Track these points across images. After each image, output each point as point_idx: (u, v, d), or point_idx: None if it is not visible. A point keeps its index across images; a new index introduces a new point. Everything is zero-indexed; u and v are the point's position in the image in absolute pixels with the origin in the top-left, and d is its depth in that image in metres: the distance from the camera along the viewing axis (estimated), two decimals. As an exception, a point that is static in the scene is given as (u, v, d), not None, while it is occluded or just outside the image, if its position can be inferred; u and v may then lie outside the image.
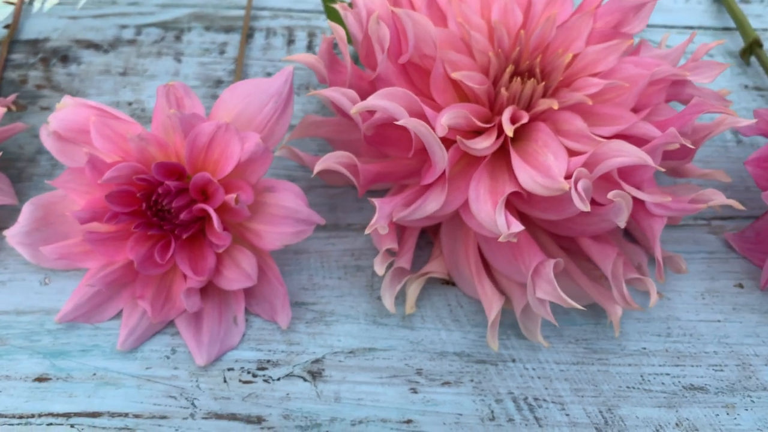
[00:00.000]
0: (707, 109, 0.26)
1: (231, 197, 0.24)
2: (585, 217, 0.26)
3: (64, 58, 0.37)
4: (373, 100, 0.24)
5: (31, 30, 0.38)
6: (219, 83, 0.36)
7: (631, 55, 0.30)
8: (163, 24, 0.39)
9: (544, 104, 0.26)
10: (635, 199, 0.26)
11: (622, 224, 0.25)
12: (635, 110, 0.28)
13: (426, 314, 0.28)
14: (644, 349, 0.27)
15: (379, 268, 0.26)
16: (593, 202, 0.26)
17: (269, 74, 0.37)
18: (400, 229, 0.29)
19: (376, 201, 0.25)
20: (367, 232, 0.24)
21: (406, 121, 0.24)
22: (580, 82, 0.27)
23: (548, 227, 0.28)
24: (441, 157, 0.24)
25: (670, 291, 0.29)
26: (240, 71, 0.35)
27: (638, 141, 0.27)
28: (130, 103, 0.35)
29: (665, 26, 0.44)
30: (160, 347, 0.26)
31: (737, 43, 0.43)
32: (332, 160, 0.25)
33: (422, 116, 0.25)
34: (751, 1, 0.46)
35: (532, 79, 0.27)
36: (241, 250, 0.26)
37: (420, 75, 0.28)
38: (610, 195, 0.24)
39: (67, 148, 0.26)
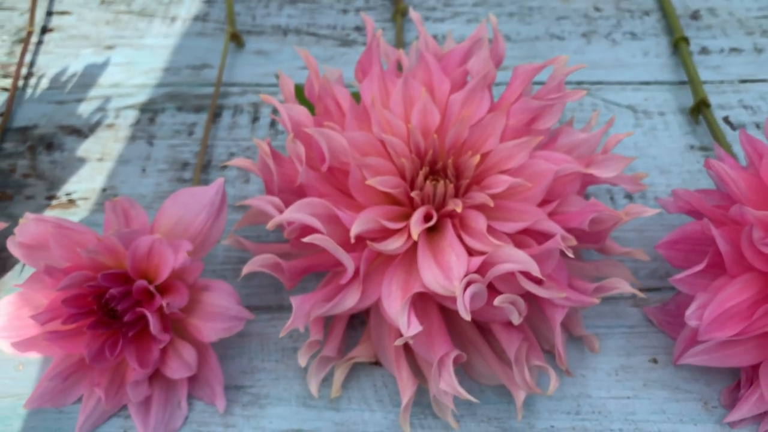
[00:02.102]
0: (601, 210, 0.28)
1: (164, 303, 0.27)
2: (490, 308, 0.28)
3: (50, 146, 0.40)
4: (289, 213, 0.27)
5: (22, 117, 0.42)
6: (185, 166, 0.39)
7: (551, 141, 0.32)
8: (140, 106, 0.43)
9: (450, 205, 0.29)
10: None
11: (516, 322, 0.27)
12: (548, 200, 0.30)
13: (352, 395, 0.31)
14: (552, 427, 0.30)
15: (302, 359, 0.29)
16: (499, 293, 0.28)
17: (232, 155, 0.40)
18: (329, 317, 0.32)
19: (294, 299, 0.28)
20: (282, 335, 0.27)
21: (312, 238, 0.26)
22: (490, 179, 0.30)
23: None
24: (349, 264, 0.27)
25: (585, 368, 0.31)
26: (203, 154, 0.39)
27: (542, 235, 0.29)
28: (104, 189, 0.38)
29: (621, 82, 0.46)
30: (113, 429, 0.30)
31: (691, 98, 0.44)
32: (257, 264, 0.28)
33: (338, 221, 0.28)
34: (711, 53, 0.48)
35: (442, 181, 0.29)
36: (183, 343, 0.29)
37: (343, 177, 0.30)
38: (496, 302, 0.26)
39: (32, 254, 0.30)
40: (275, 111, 0.42)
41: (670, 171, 0.40)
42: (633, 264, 0.35)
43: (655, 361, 0.32)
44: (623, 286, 0.29)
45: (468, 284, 0.26)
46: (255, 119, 0.42)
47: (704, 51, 0.48)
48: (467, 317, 0.25)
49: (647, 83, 0.46)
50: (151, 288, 0.28)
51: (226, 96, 0.43)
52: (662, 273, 0.35)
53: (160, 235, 0.28)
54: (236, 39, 0.46)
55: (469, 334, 0.31)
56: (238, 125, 0.42)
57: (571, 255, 0.26)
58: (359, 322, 0.33)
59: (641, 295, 0.29)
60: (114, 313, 0.28)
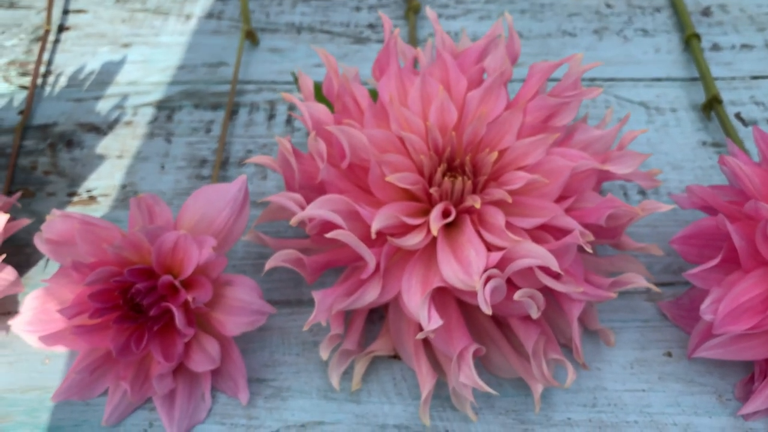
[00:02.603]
0: (617, 206, 0.29)
1: (190, 297, 0.28)
2: (509, 302, 0.29)
3: (69, 143, 0.41)
4: (311, 210, 0.28)
5: (41, 115, 0.43)
6: (203, 163, 0.40)
7: (566, 138, 0.33)
8: (157, 103, 0.43)
9: (469, 201, 0.29)
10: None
11: (535, 316, 0.27)
12: (564, 196, 0.31)
13: (372, 388, 0.31)
14: (569, 419, 0.30)
15: (324, 353, 0.29)
16: (517, 288, 0.29)
17: (249, 152, 0.41)
18: (349, 312, 0.32)
19: (316, 294, 0.28)
20: (305, 329, 0.27)
21: (334, 233, 0.27)
22: (507, 176, 0.30)
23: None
24: (370, 259, 0.28)
25: (600, 361, 0.32)
26: (221, 151, 0.39)
27: (559, 231, 0.30)
28: (124, 186, 0.39)
29: (633, 79, 0.46)
30: (139, 421, 0.30)
31: (703, 94, 0.44)
32: (280, 259, 0.29)
33: (358, 217, 0.29)
34: (722, 49, 0.48)
35: (461, 177, 0.30)
36: (206, 337, 0.30)
37: (363, 174, 0.31)
38: (516, 296, 0.27)
39: (58, 250, 0.30)
40: (292, 107, 0.43)
41: (683, 167, 0.41)
42: (647, 259, 0.36)
43: (669, 354, 0.32)
44: (639, 281, 0.29)
45: (488, 279, 0.27)
46: (271, 116, 0.43)
47: (716, 47, 0.48)
48: (488, 311, 0.26)
49: (659, 80, 0.46)
50: (176, 283, 0.28)
51: (242, 93, 0.44)
52: (675, 268, 0.35)
53: (185, 231, 0.28)
54: (251, 37, 0.46)
55: (487, 327, 0.31)
56: (254, 122, 0.42)
57: (589, 250, 0.27)
58: (378, 316, 0.33)
59: (656, 289, 0.30)
60: (139, 307, 0.29)
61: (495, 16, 0.49)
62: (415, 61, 0.39)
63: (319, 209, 0.28)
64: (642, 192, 0.39)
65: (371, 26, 0.48)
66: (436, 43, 0.34)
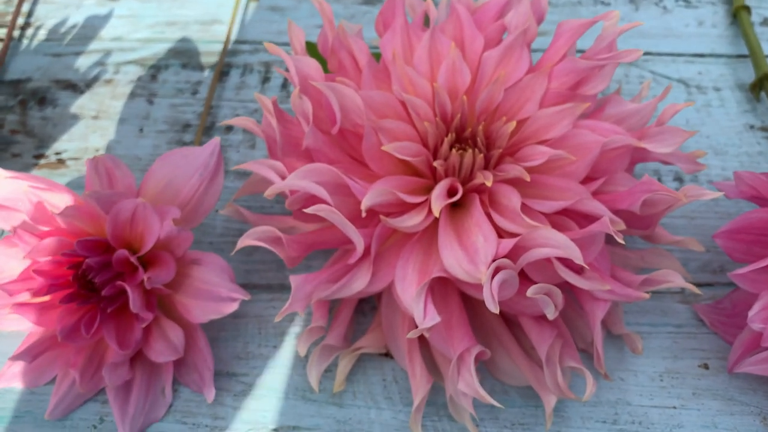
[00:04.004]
0: (656, 190, 0.24)
1: (145, 277, 0.24)
2: (521, 299, 0.24)
3: (42, 100, 0.37)
4: (292, 180, 0.24)
5: (15, 69, 0.39)
6: (186, 127, 0.36)
7: (598, 110, 0.28)
8: (142, 61, 0.39)
9: (479, 178, 0.25)
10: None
11: (551, 317, 0.23)
12: (592, 177, 0.26)
13: (358, 390, 0.27)
14: (585, 437, 0.26)
15: (302, 348, 0.25)
16: (531, 282, 0.24)
17: (237, 116, 0.36)
18: (336, 301, 0.28)
19: (294, 279, 0.24)
20: (278, 318, 0.23)
21: (316, 208, 0.23)
22: (526, 150, 0.26)
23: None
24: (358, 241, 0.23)
25: (624, 371, 0.27)
26: (206, 114, 0.35)
27: (586, 218, 0.25)
28: (97, 149, 0.35)
29: (673, 54, 0.41)
30: (88, 416, 0.26)
31: (752, 73, 0.40)
32: (255, 236, 0.25)
33: (348, 192, 0.24)
34: (774, 24, 0.43)
35: (471, 150, 0.25)
36: (169, 323, 0.26)
37: (356, 141, 0.27)
38: (530, 292, 0.22)
39: (5, 215, 0.26)
40: (285, 66, 0.38)
41: (726, 152, 0.36)
42: (681, 255, 0.31)
43: (705, 366, 0.28)
44: (675, 279, 0.25)
45: (496, 270, 0.22)
46: (265, 80, 0.38)
47: (766, 22, 0.43)
48: (495, 309, 0.21)
49: (701, 55, 0.41)
50: (133, 259, 0.24)
51: (236, 54, 0.40)
52: (715, 266, 0.31)
53: (146, 200, 0.24)
54: (250, -7, 0.42)
55: (494, 326, 0.27)
56: (246, 85, 0.38)
57: (621, 241, 0.23)
58: (369, 307, 0.29)
59: (696, 290, 0.25)
60: (92, 285, 0.25)
61: (520, -21, 0.44)
62: (426, 18, 0.34)
63: (302, 180, 0.24)
64: (678, 179, 0.34)
65: (382, -14, 0.44)
66: (450, -4, 0.29)
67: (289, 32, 0.28)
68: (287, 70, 0.38)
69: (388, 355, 0.28)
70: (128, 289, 0.24)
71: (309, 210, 0.23)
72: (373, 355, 0.28)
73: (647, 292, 0.24)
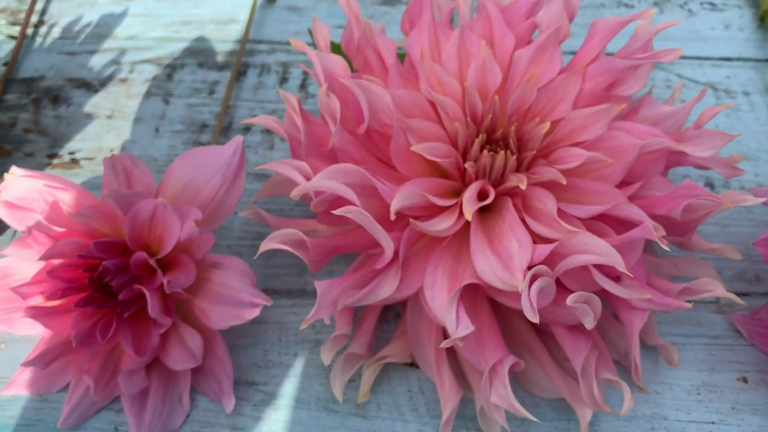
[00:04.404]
0: (699, 194, 0.23)
1: (165, 280, 0.23)
2: (555, 307, 0.23)
3: (55, 99, 0.36)
4: (318, 181, 0.23)
5: (28, 68, 0.38)
6: (203, 128, 0.35)
7: (632, 113, 0.27)
8: (158, 60, 0.38)
9: (513, 181, 0.24)
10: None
11: (590, 327, 0.22)
12: (626, 182, 0.25)
13: (382, 401, 0.26)
14: (621, 453, 0.25)
15: (326, 357, 0.24)
16: (565, 290, 0.23)
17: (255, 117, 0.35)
18: (359, 308, 0.27)
19: (319, 284, 0.23)
20: (303, 326, 0.22)
21: (345, 210, 0.22)
22: (560, 152, 0.25)
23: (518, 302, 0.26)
24: (387, 245, 0.22)
25: (659, 383, 0.26)
26: (224, 114, 0.34)
27: (622, 223, 0.24)
28: (111, 150, 0.34)
29: (699, 57, 0.40)
30: (103, 425, 0.25)
31: (781, 78, 0.39)
32: (277, 240, 0.24)
33: (375, 194, 0.23)
34: (803, 27, 0.42)
35: (503, 151, 0.24)
36: (187, 329, 0.25)
37: (383, 142, 0.26)
38: (569, 301, 0.21)
39: (20, 215, 0.26)
40: (308, 63, 0.38)
41: (758, 158, 0.35)
42: (714, 263, 0.30)
43: (744, 380, 0.27)
44: (717, 289, 0.24)
45: (534, 278, 0.21)
46: (283, 80, 0.38)
47: (795, 26, 0.42)
48: (535, 318, 0.20)
49: (728, 59, 0.40)
50: (152, 262, 0.23)
51: (253, 54, 0.39)
52: (751, 275, 0.30)
53: (165, 200, 0.23)
54: (267, -8, 0.41)
55: (525, 335, 0.26)
56: (264, 86, 0.37)
57: (666, 248, 0.21)
58: (393, 314, 0.28)
59: (738, 300, 0.24)
60: (108, 289, 0.24)
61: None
62: (452, 17, 0.33)
63: (328, 181, 0.23)
64: (709, 184, 0.33)
65: (402, -14, 0.43)
66: (478, -6, 0.28)
67: (313, 29, 0.27)
68: (308, 66, 0.37)
69: (413, 364, 0.27)
70: (146, 292, 0.23)
71: (338, 212, 0.22)
72: (398, 365, 0.27)
73: (690, 302, 0.23)
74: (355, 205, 0.23)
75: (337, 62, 0.25)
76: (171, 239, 0.23)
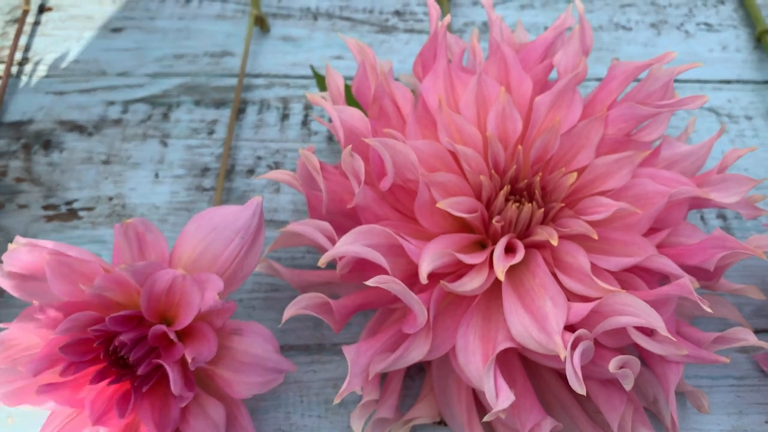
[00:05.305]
0: (732, 247, 0.23)
1: (189, 357, 0.22)
2: (590, 365, 0.23)
3: (47, 144, 0.35)
4: (345, 246, 0.22)
5: (15, 110, 0.36)
6: (205, 171, 0.34)
7: (652, 154, 0.27)
8: (152, 99, 0.37)
9: (542, 235, 0.23)
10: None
11: (629, 388, 0.22)
12: (653, 229, 0.25)
13: (413, 462, 0.25)
14: (658, 507, 0.24)
15: (356, 426, 0.23)
16: (598, 345, 0.23)
17: (259, 159, 0.34)
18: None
19: (348, 351, 0.22)
20: (337, 401, 0.21)
21: (378, 281, 0.21)
22: (587, 202, 0.24)
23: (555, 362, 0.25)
24: (421, 312, 0.22)
25: (690, 429, 0.26)
26: (226, 158, 0.33)
27: (647, 272, 0.24)
28: (110, 198, 0.33)
29: (698, 81, 0.40)
30: (122, 502, 0.24)
31: (782, 101, 0.39)
32: (302, 304, 0.23)
33: (401, 252, 0.23)
34: (798, 46, 0.42)
35: (529, 204, 0.24)
36: (209, 399, 0.24)
37: (405, 197, 0.25)
38: (612, 367, 0.21)
39: (24, 286, 0.24)
40: (310, 106, 0.37)
41: (765, 186, 0.35)
42: (733, 300, 0.30)
43: (773, 422, 0.26)
44: (749, 338, 0.23)
45: (575, 342, 0.21)
46: (284, 116, 0.36)
47: (790, 44, 0.42)
48: (581, 390, 0.20)
49: (728, 82, 0.40)
50: (172, 335, 0.22)
51: (251, 89, 0.38)
52: (770, 311, 0.30)
53: (182, 269, 0.22)
54: (261, 23, 0.40)
55: (555, 389, 0.25)
56: (265, 123, 0.36)
57: (709, 310, 0.21)
58: (416, 368, 0.28)
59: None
60: (125, 362, 0.23)
61: (538, 4, 0.43)
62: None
63: (354, 245, 0.22)
64: (722, 216, 0.33)
65: (398, 13, 0.42)
66: (491, 35, 0.28)
67: (327, 78, 0.26)
68: (325, 117, 0.36)
69: (442, 423, 0.26)
70: (168, 368, 0.22)
71: (371, 282, 0.21)
72: (427, 424, 0.26)
73: (728, 357, 0.23)
74: (385, 269, 0.22)
75: (356, 116, 0.24)
76: (191, 311, 0.22)
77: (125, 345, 0.23)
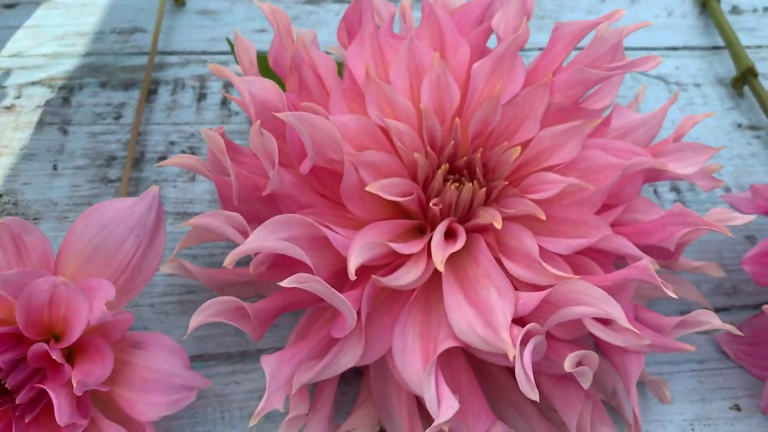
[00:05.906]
0: (694, 223, 0.20)
1: (74, 381, 0.18)
2: (543, 360, 0.20)
3: (-75, 136, 0.30)
4: (257, 241, 0.19)
5: None
6: (111, 161, 0.30)
7: (602, 124, 0.25)
8: (50, 81, 0.33)
9: (484, 218, 0.21)
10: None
11: (587, 386, 0.19)
12: (605, 207, 0.23)
13: (351, 478, 0.22)
14: None
15: (284, 442, 0.20)
16: (552, 339, 0.20)
17: (173, 144, 0.31)
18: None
19: (267, 361, 0.19)
20: (252, 423, 0.18)
21: (297, 280, 0.18)
22: (532, 179, 0.22)
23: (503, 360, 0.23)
24: (350, 315, 0.19)
25: (651, 421, 0.24)
26: (134, 144, 0.29)
27: (599, 252, 0.22)
28: (0, 195, 0.29)
29: (645, 48, 0.38)
30: None
31: (729, 66, 0.37)
32: (211, 310, 0.20)
33: (327, 245, 0.20)
34: (743, 12, 0.41)
35: (470, 183, 0.21)
36: (108, 424, 0.20)
37: (330, 179, 0.22)
38: (567, 365, 0.18)
39: None
40: (228, 86, 0.33)
41: (718, 156, 0.33)
42: (691, 277, 0.28)
43: (737, 408, 0.25)
44: (713, 321, 0.21)
45: (525, 338, 0.18)
46: (201, 97, 0.33)
47: (735, 10, 0.41)
48: (534, 395, 0.17)
49: (675, 48, 0.39)
50: (55, 354, 0.19)
51: (164, 67, 0.34)
52: (728, 288, 0.28)
53: (71, 275, 0.19)
54: (174, -5, 0.36)
55: (504, 385, 0.23)
56: (179, 105, 0.32)
57: (672, 294, 0.19)
58: (352, 372, 0.25)
59: (736, 331, 0.22)
60: (2, 388, 0.19)
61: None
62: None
63: (269, 239, 0.19)
64: (675, 189, 0.31)
65: (327, -17, 0.39)
66: (423, -3, 0.25)
67: (236, 48, 0.23)
68: (233, 92, 0.33)
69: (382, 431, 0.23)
70: (52, 394, 0.19)
71: (286, 283, 0.18)
72: None
73: (694, 346, 0.21)
74: (309, 267, 0.19)
75: (269, 88, 0.21)
76: (78, 324, 0.19)
77: (0, 369, 0.19)
